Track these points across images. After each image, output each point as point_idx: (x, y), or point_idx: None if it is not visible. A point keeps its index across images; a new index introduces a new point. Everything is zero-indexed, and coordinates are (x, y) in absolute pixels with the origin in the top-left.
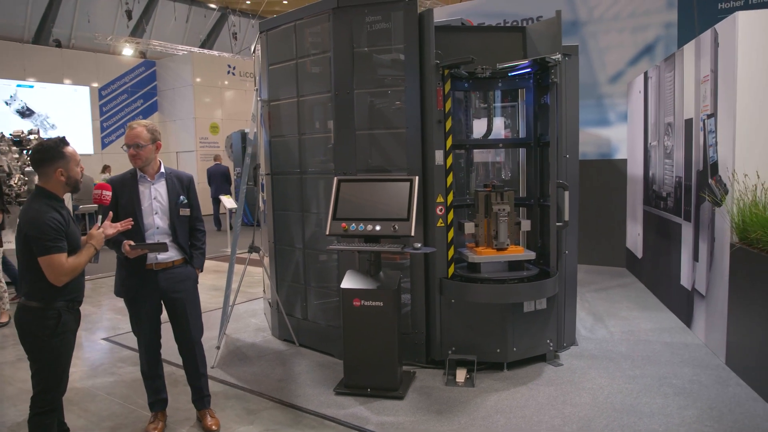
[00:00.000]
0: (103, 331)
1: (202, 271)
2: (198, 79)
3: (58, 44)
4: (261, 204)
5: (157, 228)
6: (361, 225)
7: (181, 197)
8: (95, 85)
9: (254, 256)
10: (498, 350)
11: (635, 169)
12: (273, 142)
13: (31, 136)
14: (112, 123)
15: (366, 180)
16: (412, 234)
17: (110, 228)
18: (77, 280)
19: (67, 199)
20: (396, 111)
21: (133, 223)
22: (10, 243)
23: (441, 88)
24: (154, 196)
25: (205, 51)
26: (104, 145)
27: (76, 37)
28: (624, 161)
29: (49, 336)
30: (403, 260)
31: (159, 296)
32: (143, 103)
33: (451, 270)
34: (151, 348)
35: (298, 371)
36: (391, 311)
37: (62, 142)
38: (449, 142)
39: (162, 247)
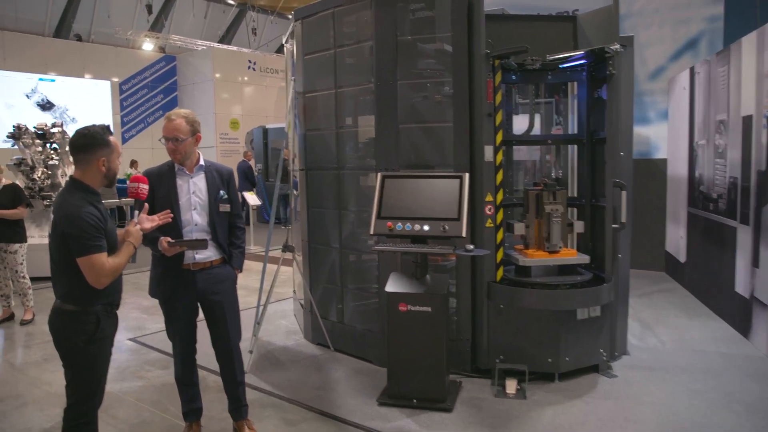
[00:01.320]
0: (128, 331)
1: (241, 271)
2: (218, 75)
3: (79, 38)
4: (293, 201)
5: (196, 225)
6: (408, 224)
7: (221, 192)
8: (115, 79)
9: (287, 255)
10: (549, 360)
11: (678, 169)
12: (308, 136)
13: (55, 129)
14: (133, 118)
15: (412, 176)
16: (464, 235)
17: (147, 222)
18: (115, 281)
19: None
20: (441, 103)
21: (171, 216)
22: (33, 238)
23: (491, 80)
24: (193, 191)
25: (225, 46)
26: (125, 140)
27: (96, 33)
28: (664, 161)
29: (85, 342)
30: (445, 262)
31: (196, 298)
32: (163, 98)
33: (500, 273)
34: (187, 353)
35: (336, 378)
36: (439, 317)
37: (107, 130)
38: (499, 137)
39: (202, 244)
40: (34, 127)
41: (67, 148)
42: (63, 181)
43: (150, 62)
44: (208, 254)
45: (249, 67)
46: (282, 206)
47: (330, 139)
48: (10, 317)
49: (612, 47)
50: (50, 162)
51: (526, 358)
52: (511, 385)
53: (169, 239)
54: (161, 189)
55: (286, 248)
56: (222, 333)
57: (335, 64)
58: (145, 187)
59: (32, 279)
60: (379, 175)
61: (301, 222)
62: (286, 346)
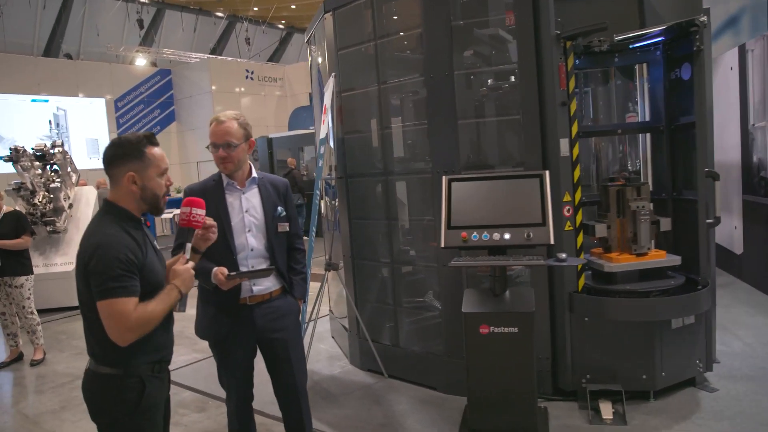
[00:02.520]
0: None
1: (305, 301)
2: (214, 87)
3: (69, 57)
4: (324, 211)
5: (252, 250)
6: (486, 233)
7: (279, 208)
8: (109, 97)
9: (332, 274)
10: (644, 376)
11: (727, 155)
12: (346, 140)
13: (55, 149)
14: None
15: (484, 178)
16: (551, 241)
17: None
18: (163, 333)
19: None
20: (505, 94)
21: (216, 233)
22: (38, 267)
23: (563, 64)
24: (246, 209)
25: (221, 57)
26: None
27: (85, 52)
28: None
29: (129, 414)
30: (510, 272)
31: (254, 337)
32: (160, 113)
33: (581, 282)
34: (245, 403)
35: (401, 411)
36: (527, 338)
37: (147, 139)
38: (575, 128)
39: (268, 273)
40: (33, 149)
41: (69, 170)
42: (66, 205)
43: (144, 78)
44: (267, 284)
45: (247, 77)
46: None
47: (373, 142)
48: (19, 357)
49: (700, 19)
50: (52, 185)
51: (617, 376)
52: (607, 409)
53: (225, 270)
54: (209, 209)
55: (330, 266)
56: (286, 376)
57: (377, 57)
58: (200, 213)
59: (39, 312)
60: (444, 179)
61: (342, 236)
62: (332, 374)
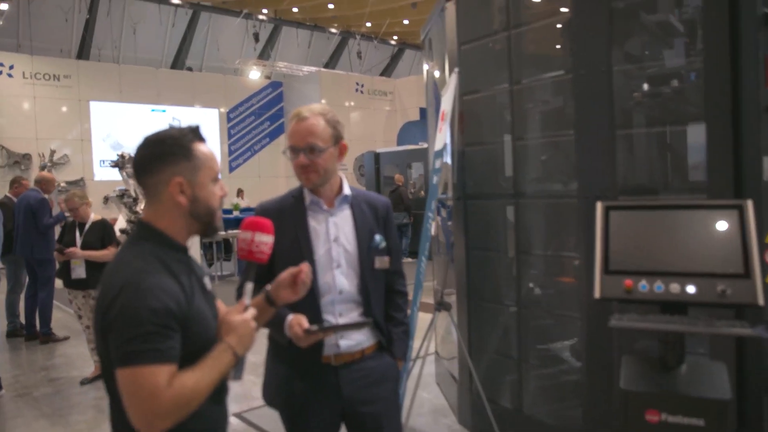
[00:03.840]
0: (232, 401)
1: (405, 362)
2: (324, 100)
3: (190, 70)
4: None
5: (340, 293)
6: (659, 283)
7: (377, 237)
8: (223, 109)
9: (443, 314)
10: None
11: None
12: (467, 153)
13: None
14: (240, 146)
15: (656, 207)
16: (760, 302)
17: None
18: (214, 405)
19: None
20: (682, 96)
21: (308, 284)
22: None
23: None
24: (335, 237)
25: (332, 70)
26: (232, 169)
27: (206, 66)
28: None
29: None
30: None
31: (339, 409)
32: (270, 125)
33: None
34: None
35: None
36: None
37: (193, 133)
38: None
39: (363, 327)
40: (117, 155)
41: None
42: None
43: (256, 90)
44: (359, 339)
45: (357, 90)
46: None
47: (501, 156)
48: None
49: None
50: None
51: None
52: None
53: (304, 321)
54: (286, 235)
55: (441, 306)
56: None
57: (509, 51)
58: (268, 241)
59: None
60: (599, 206)
61: (457, 269)
62: None
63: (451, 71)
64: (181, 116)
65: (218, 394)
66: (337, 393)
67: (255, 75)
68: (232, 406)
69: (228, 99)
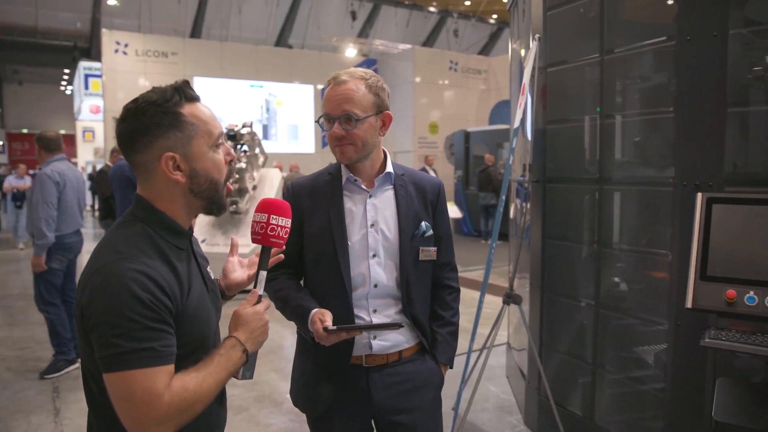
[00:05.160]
0: (257, 401)
1: (451, 368)
2: (418, 79)
3: (290, 47)
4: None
5: (375, 286)
6: None
7: (423, 224)
8: (319, 86)
9: (513, 309)
10: None
11: None
12: (549, 132)
13: (245, 130)
14: None
15: None
16: None
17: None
18: (213, 409)
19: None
20: None
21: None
22: (218, 246)
23: None
24: (372, 221)
25: (427, 48)
26: (324, 144)
27: (307, 45)
28: None
29: None
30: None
31: (369, 417)
32: None
33: None
34: None
35: None
36: None
37: (179, 92)
38: None
39: (391, 329)
40: (226, 129)
41: (257, 151)
42: (250, 186)
43: (352, 66)
44: (397, 340)
45: (450, 68)
46: (483, 218)
47: (587, 136)
48: None
49: None
50: (238, 165)
51: None
52: None
53: (328, 316)
54: (315, 217)
55: (510, 299)
56: None
57: (602, 16)
58: (285, 225)
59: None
60: (700, 197)
61: (531, 258)
62: None
63: (533, 40)
64: (278, 92)
65: (220, 393)
66: (366, 398)
67: (351, 52)
68: (258, 405)
69: (324, 76)
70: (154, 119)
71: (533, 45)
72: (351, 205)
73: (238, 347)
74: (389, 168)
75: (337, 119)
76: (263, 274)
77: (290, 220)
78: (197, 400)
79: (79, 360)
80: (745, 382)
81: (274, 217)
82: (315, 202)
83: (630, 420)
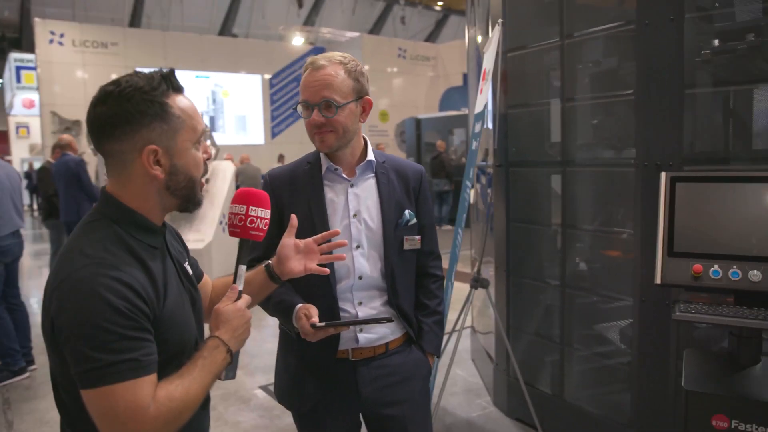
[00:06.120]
0: (258, 372)
1: (439, 357)
2: (366, 67)
3: (234, 36)
4: (474, 200)
5: (360, 278)
6: (735, 269)
7: (407, 213)
8: (266, 76)
9: (480, 292)
10: None
11: None
12: (510, 117)
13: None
14: (282, 112)
15: (731, 179)
16: None
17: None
18: (197, 414)
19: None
20: (759, 52)
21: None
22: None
23: None
24: (355, 211)
25: (375, 36)
26: (274, 135)
27: (251, 34)
28: None
29: None
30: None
31: (358, 412)
32: None
33: None
34: None
35: None
36: None
37: (166, 81)
38: None
39: (378, 323)
40: None
41: (208, 142)
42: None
43: (299, 56)
44: (383, 332)
45: (399, 55)
46: (437, 204)
47: (548, 120)
48: None
49: None
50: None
51: None
52: None
53: (314, 312)
54: (297, 208)
55: (478, 283)
56: None
57: (561, 1)
58: (264, 216)
59: None
60: (664, 176)
61: (496, 242)
62: (469, 418)
63: (494, 26)
64: (224, 82)
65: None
66: (354, 393)
67: (298, 41)
68: (258, 377)
69: (271, 65)
70: (140, 107)
71: (496, 30)
72: (332, 195)
73: (222, 347)
74: (370, 156)
75: (316, 106)
76: (242, 268)
77: (269, 212)
78: (185, 408)
79: (29, 370)
80: (710, 352)
81: (253, 208)
82: (294, 192)
83: (599, 394)
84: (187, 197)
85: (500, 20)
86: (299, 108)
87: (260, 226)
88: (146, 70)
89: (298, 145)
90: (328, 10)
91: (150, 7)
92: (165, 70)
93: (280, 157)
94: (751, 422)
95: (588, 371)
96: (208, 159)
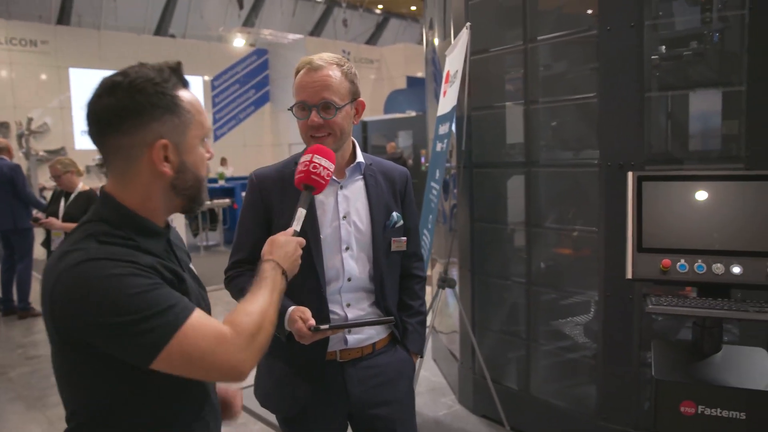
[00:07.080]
0: None
1: (422, 357)
2: None
3: (173, 37)
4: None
5: (349, 280)
6: (700, 263)
7: (394, 215)
8: (207, 77)
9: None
10: None
11: None
12: (474, 119)
13: None
14: (224, 114)
15: (694, 178)
16: None
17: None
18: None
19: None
20: (717, 53)
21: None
22: None
23: None
24: (344, 213)
25: (319, 38)
26: (216, 138)
27: (189, 34)
28: None
29: None
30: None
31: (346, 412)
32: (255, 92)
33: None
34: None
35: None
36: (759, 429)
37: (175, 73)
38: None
39: (384, 323)
40: None
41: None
42: None
43: (241, 57)
44: (370, 332)
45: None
46: None
47: (512, 122)
48: None
49: None
50: None
51: None
52: None
53: (309, 315)
54: (286, 209)
55: (445, 283)
56: None
57: (524, 5)
58: (328, 166)
59: None
60: (631, 176)
61: (460, 242)
62: (436, 417)
63: (456, 29)
64: None
65: (199, 407)
66: (343, 394)
67: (239, 43)
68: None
69: (212, 67)
70: (152, 99)
71: (464, 33)
72: (322, 196)
73: (278, 268)
74: (359, 158)
75: (314, 107)
76: (302, 211)
77: (333, 165)
78: (263, 322)
79: None
80: (676, 342)
81: (317, 157)
82: (283, 194)
83: (564, 388)
84: (193, 197)
85: (469, 24)
86: (295, 109)
87: (322, 174)
88: (80, 70)
89: (241, 147)
90: (267, 12)
91: (80, 5)
92: (172, 63)
93: (223, 161)
94: (716, 407)
95: (553, 366)
96: (210, 158)
